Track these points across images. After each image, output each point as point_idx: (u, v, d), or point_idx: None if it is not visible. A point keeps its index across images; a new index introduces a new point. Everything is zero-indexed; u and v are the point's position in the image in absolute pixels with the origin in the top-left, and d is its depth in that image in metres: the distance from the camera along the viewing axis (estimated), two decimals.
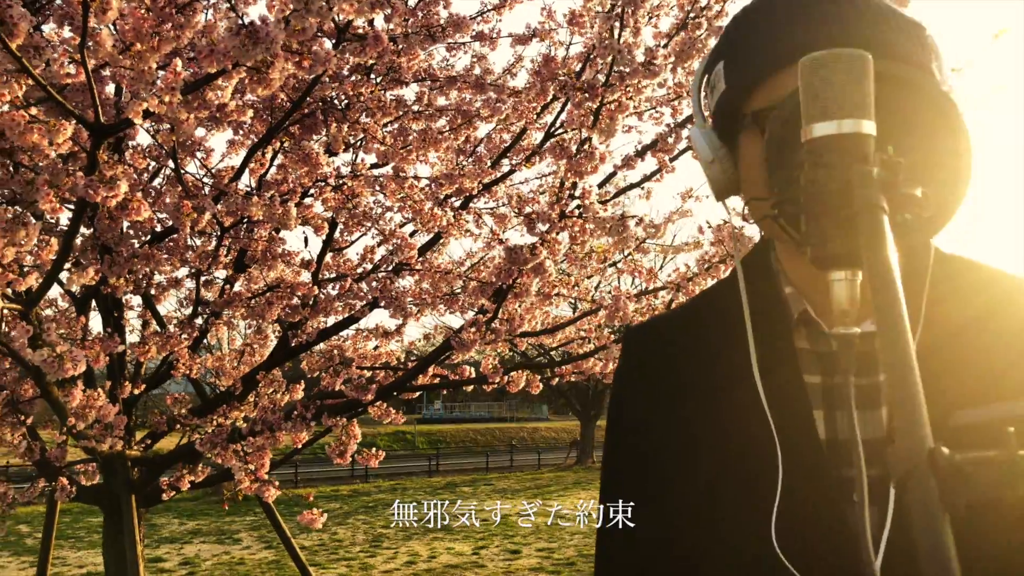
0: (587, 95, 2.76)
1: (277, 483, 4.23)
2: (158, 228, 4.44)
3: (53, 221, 4.23)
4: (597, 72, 2.77)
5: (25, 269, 2.70)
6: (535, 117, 5.16)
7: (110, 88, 3.88)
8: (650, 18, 3.98)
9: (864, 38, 0.93)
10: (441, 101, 4.89)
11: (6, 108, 2.26)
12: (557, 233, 2.99)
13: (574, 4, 5.02)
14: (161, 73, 3.47)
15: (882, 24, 0.95)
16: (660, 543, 1.00)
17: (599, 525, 1.10)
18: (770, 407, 0.90)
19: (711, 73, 1.06)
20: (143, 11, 2.62)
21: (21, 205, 3.15)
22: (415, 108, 4.73)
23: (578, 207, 3.00)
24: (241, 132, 4.20)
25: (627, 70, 2.65)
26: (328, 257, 5.53)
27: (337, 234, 5.75)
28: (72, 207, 3.18)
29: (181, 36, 2.65)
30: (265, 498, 3.96)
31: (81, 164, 3.36)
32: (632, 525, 1.04)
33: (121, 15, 2.56)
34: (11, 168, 3.37)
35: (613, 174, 3.78)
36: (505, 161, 5.44)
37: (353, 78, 4.25)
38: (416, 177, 4.19)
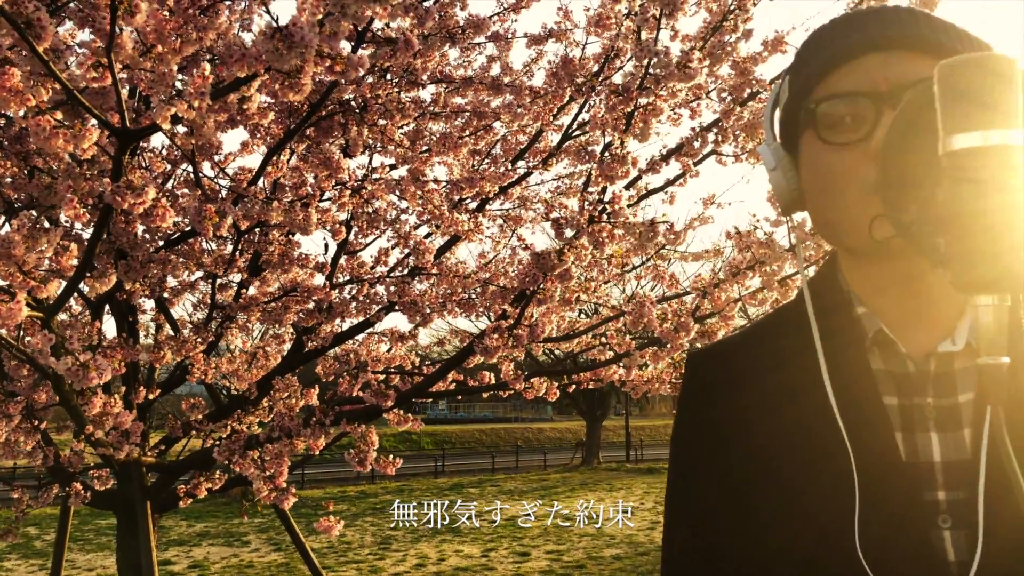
0: (621, 98, 2.71)
1: (294, 490, 4.18)
2: (173, 232, 4.40)
3: (69, 225, 4.19)
4: (622, 72, 2.72)
5: (45, 275, 2.64)
6: (551, 119, 5.12)
7: (124, 92, 3.83)
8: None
9: (936, 42, 0.90)
10: (458, 101, 4.84)
11: (27, 113, 2.21)
12: (584, 238, 2.94)
13: (590, 4, 4.99)
14: (181, 76, 3.43)
15: (947, 31, 0.92)
16: (733, 560, 0.98)
17: (666, 550, 1.08)
18: (846, 428, 0.88)
19: (779, 93, 1.05)
20: (165, 13, 2.57)
21: (38, 210, 3.11)
22: (432, 109, 4.69)
23: (605, 212, 2.95)
24: (258, 134, 4.15)
25: (663, 73, 2.59)
26: (342, 260, 5.49)
27: (351, 237, 5.72)
28: (93, 210, 3.13)
29: (204, 38, 2.61)
30: (283, 507, 3.91)
31: (100, 168, 3.32)
32: (702, 544, 1.02)
33: (142, 31, 2.52)
34: (27, 172, 3.33)
35: (638, 178, 3.73)
36: (521, 164, 5.41)
37: (369, 79, 4.21)
38: (436, 180, 4.14)
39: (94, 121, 2.42)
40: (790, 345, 1.00)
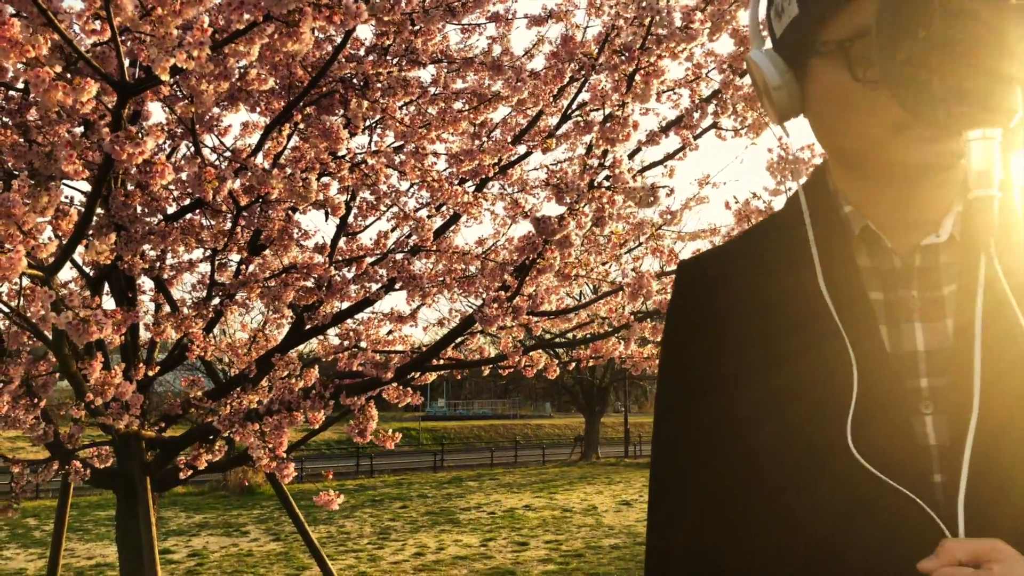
0: (623, 58, 2.71)
1: (293, 464, 4.19)
2: (172, 209, 4.40)
3: (68, 201, 4.20)
4: (623, 35, 2.72)
5: (47, 237, 2.65)
6: (552, 99, 5.12)
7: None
8: None
9: None
10: (458, 84, 4.84)
11: (27, 64, 2.21)
12: (585, 204, 2.95)
13: None
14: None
15: None
16: (724, 450, 1.00)
17: (656, 449, 1.10)
18: (840, 323, 0.91)
19: None
20: None
21: (39, 181, 3.11)
22: (432, 90, 4.69)
23: (607, 178, 2.95)
24: (258, 110, 4.15)
25: (665, 32, 2.60)
26: (342, 242, 5.49)
27: (351, 219, 5.72)
28: (93, 174, 3.13)
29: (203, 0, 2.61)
30: (283, 477, 3.91)
31: (99, 135, 3.33)
32: (691, 436, 1.04)
33: None
34: (27, 143, 3.33)
35: (637, 150, 3.73)
36: (522, 148, 5.41)
37: (371, 58, 4.21)
38: (435, 154, 4.14)
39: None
40: (781, 244, 1.03)
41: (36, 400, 4.32)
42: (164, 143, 4.34)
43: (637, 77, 2.75)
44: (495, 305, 3.46)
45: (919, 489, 0.85)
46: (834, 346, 0.90)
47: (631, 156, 3.64)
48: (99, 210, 3.91)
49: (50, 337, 3.16)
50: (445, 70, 4.76)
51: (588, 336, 4.43)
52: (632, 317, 3.99)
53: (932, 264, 0.92)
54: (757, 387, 0.96)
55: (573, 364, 4.92)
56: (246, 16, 2.12)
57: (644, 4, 2.60)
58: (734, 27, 3.19)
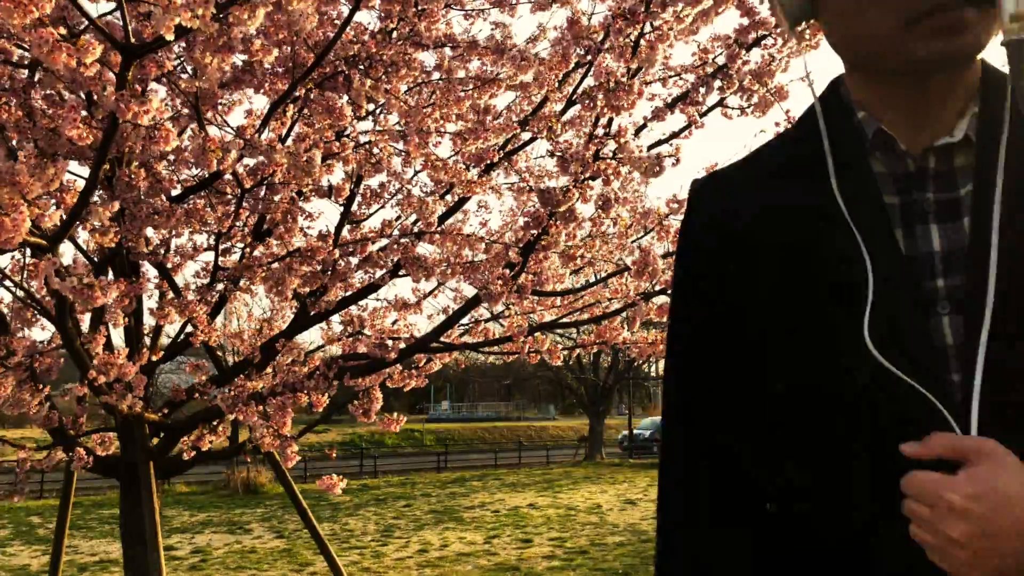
0: (628, 21, 2.70)
1: (296, 446, 4.17)
2: (176, 192, 4.39)
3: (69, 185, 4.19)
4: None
5: (51, 207, 2.64)
6: (557, 85, 5.10)
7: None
8: None
9: None
10: (461, 75, 4.82)
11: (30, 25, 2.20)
12: (591, 175, 2.93)
13: None
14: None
15: None
16: (737, 369, 1.00)
17: (667, 363, 1.10)
18: (854, 225, 0.91)
19: None
20: None
21: (45, 153, 3.10)
22: (435, 76, 4.68)
23: (613, 151, 2.93)
24: (263, 91, 4.13)
25: None
26: (345, 231, 5.48)
27: (355, 207, 5.71)
28: (96, 145, 3.11)
29: None
30: (286, 459, 3.89)
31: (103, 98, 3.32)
32: (706, 357, 1.04)
33: None
34: (31, 122, 3.32)
35: (643, 126, 3.72)
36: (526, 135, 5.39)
37: (376, 38, 4.20)
38: (439, 132, 4.13)
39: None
40: (796, 154, 1.02)
41: (40, 386, 4.31)
42: (168, 120, 4.32)
43: (642, 42, 2.74)
44: (499, 282, 3.44)
45: (936, 388, 0.84)
46: (849, 251, 0.90)
47: (637, 133, 3.62)
48: (102, 193, 3.91)
49: (53, 313, 3.14)
50: (449, 55, 4.75)
51: (595, 317, 4.40)
52: (637, 296, 3.96)
53: (947, 167, 0.92)
54: (772, 295, 0.96)
55: (577, 351, 4.88)
56: None
57: None
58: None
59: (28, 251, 3.41)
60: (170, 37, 2.23)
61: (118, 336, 5.05)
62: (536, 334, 4.35)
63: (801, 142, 1.02)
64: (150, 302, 5.11)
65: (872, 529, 0.87)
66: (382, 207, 5.75)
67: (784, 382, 0.95)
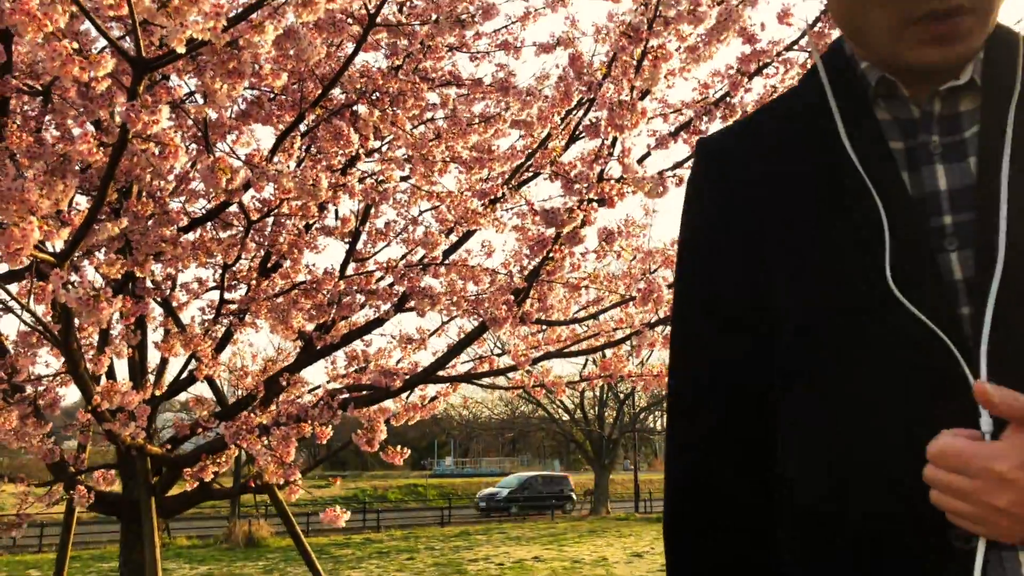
0: (631, 39, 2.74)
1: (301, 479, 4.12)
2: (183, 223, 4.43)
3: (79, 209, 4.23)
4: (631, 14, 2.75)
5: (61, 219, 2.66)
6: (560, 122, 5.17)
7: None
8: None
9: None
10: (466, 116, 4.90)
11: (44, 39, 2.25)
12: (595, 196, 2.95)
13: (598, 17, 5.08)
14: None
15: None
16: (755, 304, 0.99)
17: (675, 309, 1.09)
18: (861, 169, 0.92)
19: None
20: None
21: (54, 170, 3.14)
22: (441, 114, 4.75)
23: (617, 176, 2.96)
24: (271, 123, 4.20)
25: (672, 14, 2.64)
26: (351, 268, 5.50)
27: (360, 245, 5.75)
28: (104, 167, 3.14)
29: None
30: (290, 492, 3.85)
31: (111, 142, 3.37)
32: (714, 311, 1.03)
33: None
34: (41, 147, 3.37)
35: (647, 154, 3.76)
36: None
37: (384, 67, 4.27)
38: (445, 161, 4.17)
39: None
40: (803, 108, 1.03)
41: (43, 421, 4.30)
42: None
43: (645, 61, 2.79)
44: (504, 308, 3.44)
45: (946, 322, 0.84)
46: (859, 194, 0.90)
47: (643, 160, 3.66)
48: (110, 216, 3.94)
49: (58, 335, 3.14)
50: (454, 94, 4.83)
51: (600, 345, 4.38)
52: (641, 325, 3.96)
53: (952, 110, 0.92)
54: (784, 240, 0.96)
55: (583, 384, 4.86)
56: None
57: None
58: (741, 25, 3.24)
59: (35, 277, 3.42)
60: (181, 50, 2.27)
61: (123, 367, 5.03)
62: (541, 365, 4.33)
63: (806, 95, 1.03)
64: (155, 335, 5.12)
65: (892, 463, 0.86)
66: (388, 244, 5.80)
67: (798, 322, 0.94)
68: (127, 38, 3.16)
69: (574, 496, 31.22)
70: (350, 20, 3.87)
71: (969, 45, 0.88)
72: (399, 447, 4.34)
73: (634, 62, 2.80)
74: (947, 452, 0.76)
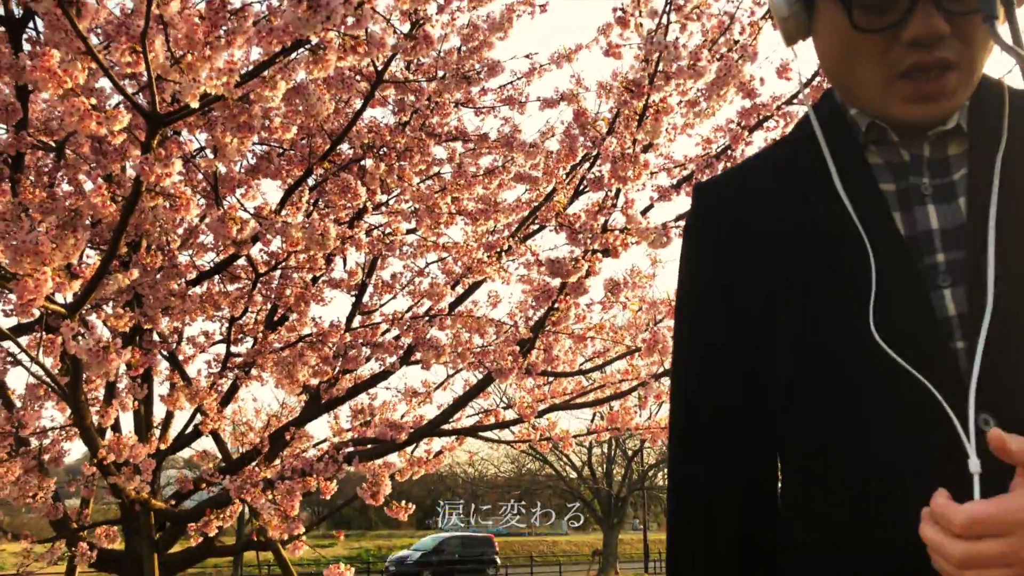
0: (633, 93, 2.80)
1: (304, 536, 4.09)
2: (192, 275, 4.47)
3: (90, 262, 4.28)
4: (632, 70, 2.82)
5: (71, 272, 2.70)
6: (564, 177, 5.24)
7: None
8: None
9: None
10: (472, 170, 4.97)
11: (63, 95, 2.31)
12: (599, 247, 2.98)
13: (601, 73, 5.19)
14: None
15: None
16: (746, 358, 1.01)
17: (675, 357, 1.10)
18: (852, 211, 0.94)
19: None
20: (196, 18, 2.71)
21: (66, 223, 3.19)
22: (447, 169, 4.83)
23: (622, 228, 3.00)
24: (279, 177, 4.27)
25: (673, 68, 2.70)
26: (356, 321, 5.53)
27: (366, 298, 5.78)
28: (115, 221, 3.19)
29: (233, 42, 2.73)
30: (293, 549, 3.81)
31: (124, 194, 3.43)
32: (717, 345, 1.04)
33: (173, 25, 2.65)
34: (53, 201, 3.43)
35: (650, 206, 3.80)
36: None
37: (391, 123, 4.36)
38: (451, 213, 4.22)
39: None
40: (795, 154, 1.06)
41: (47, 476, 4.28)
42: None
43: (647, 114, 2.84)
44: (510, 358, 3.45)
45: (939, 358, 0.86)
46: (851, 239, 0.92)
47: (646, 212, 3.70)
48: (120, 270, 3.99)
49: (66, 389, 3.15)
50: (460, 150, 4.91)
51: (607, 396, 4.37)
52: (647, 377, 3.95)
53: (941, 155, 0.95)
54: (778, 284, 0.97)
55: (590, 438, 4.83)
56: (276, 47, 2.22)
57: (653, 41, 2.72)
58: (740, 80, 3.31)
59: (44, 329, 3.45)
60: (195, 105, 2.33)
61: (127, 421, 5.03)
62: (547, 418, 4.32)
63: (799, 142, 1.06)
64: (160, 388, 5.12)
65: (875, 513, 0.87)
66: (394, 297, 5.83)
67: (791, 366, 0.96)
68: (140, 94, 3.24)
69: (497, 560, 28.77)
70: (358, 77, 3.96)
71: (955, 102, 0.91)
72: (404, 503, 4.30)
73: (636, 116, 2.86)
74: (978, 519, 0.69)
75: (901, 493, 0.84)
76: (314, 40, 2.26)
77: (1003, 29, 0.86)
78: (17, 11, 3.03)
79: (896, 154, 0.97)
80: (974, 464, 0.78)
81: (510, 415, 5.50)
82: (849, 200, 0.94)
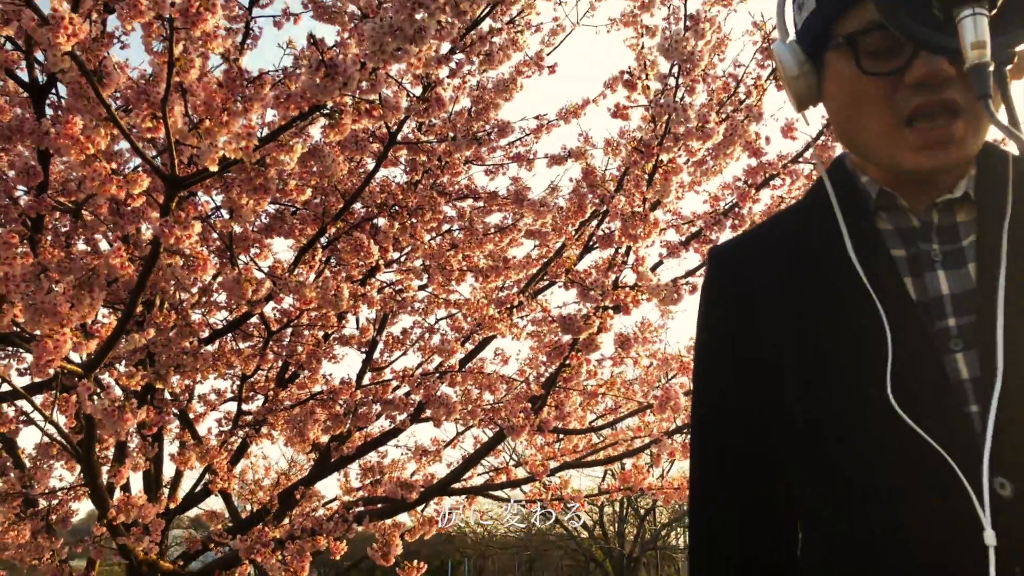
0: (642, 154, 2.85)
1: None
2: (205, 334, 4.50)
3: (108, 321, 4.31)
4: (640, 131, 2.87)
5: (87, 331, 2.72)
6: (574, 234, 5.29)
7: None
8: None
9: None
10: (480, 228, 5.03)
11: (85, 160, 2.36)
12: (610, 303, 3.00)
13: (608, 130, 5.29)
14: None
15: None
16: (761, 422, 1.04)
17: (695, 413, 1.13)
18: (865, 277, 0.96)
19: None
20: (215, 87, 2.78)
21: (82, 283, 3.23)
22: (457, 226, 4.88)
23: (632, 284, 3.02)
24: (293, 236, 4.32)
25: (682, 131, 2.75)
26: (367, 378, 5.53)
27: (377, 354, 5.78)
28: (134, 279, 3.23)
29: (251, 108, 2.80)
30: None
31: (142, 253, 3.47)
32: (733, 406, 1.07)
33: (192, 92, 2.73)
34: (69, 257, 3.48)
35: (660, 263, 3.83)
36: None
37: (403, 182, 4.42)
38: (462, 270, 4.25)
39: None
40: (809, 220, 1.09)
41: (54, 537, 4.26)
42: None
43: (656, 174, 2.89)
44: (521, 415, 3.45)
45: (954, 422, 0.87)
46: (865, 304, 0.94)
47: (655, 268, 3.73)
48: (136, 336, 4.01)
49: (79, 449, 3.16)
50: (470, 207, 4.97)
51: (619, 454, 4.34)
52: (659, 433, 3.93)
53: (950, 222, 0.98)
54: (793, 349, 1.00)
55: (602, 498, 4.78)
56: (293, 112, 2.28)
57: (661, 103, 2.77)
58: (747, 140, 3.36)
59: (59, 389, 3.47)
60: (214, 168, 2.38)
61: (136, 480, 5.01)
62: (559, 476, 4.29)
63: (812, 208, 1.09)
64: (170, 447, 5.11)
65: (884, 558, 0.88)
66: (404, 353, 5.83)
67: (806, 430, 0.98)
68: (158, 157, 3.31)
69: None
70: (372, 138, 4.03)
71: (963, 151, 0.92)
72: (416, 562, 4.25)
73: (645, 175, 2.90)
74: None
75: (913, 564, 0.85)
76: (329, 104, 2.33)
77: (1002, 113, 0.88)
78: (41, 78, 3.12)
79: (906, 220, 1.00)
80: (989, 537, 0.79)
81: (520, 473, 5.47)
82: (861, 266, 0.97)
